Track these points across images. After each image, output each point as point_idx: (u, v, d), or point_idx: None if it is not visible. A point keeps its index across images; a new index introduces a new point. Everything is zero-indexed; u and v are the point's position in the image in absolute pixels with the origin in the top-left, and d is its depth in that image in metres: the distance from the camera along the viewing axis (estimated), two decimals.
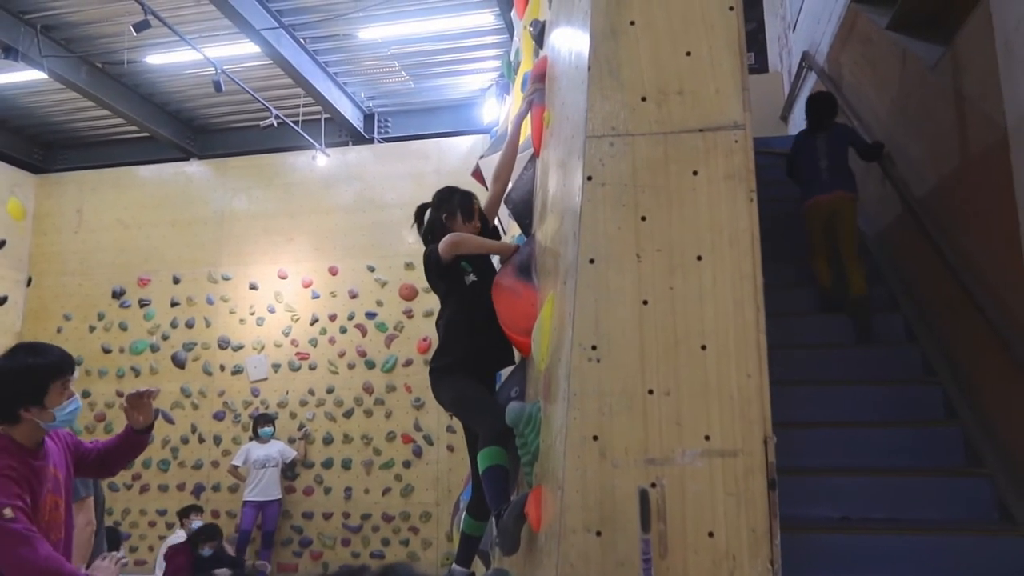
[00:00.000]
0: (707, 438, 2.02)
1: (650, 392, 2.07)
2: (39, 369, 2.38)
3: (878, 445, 3.74)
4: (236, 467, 7.81)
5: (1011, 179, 3.30)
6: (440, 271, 3.30)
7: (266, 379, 8.49)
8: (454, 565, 3.55)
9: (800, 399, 3.94)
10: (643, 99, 2.21)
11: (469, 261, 3.31)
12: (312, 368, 8.43)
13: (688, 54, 2.21)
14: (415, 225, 3.61)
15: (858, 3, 5.32)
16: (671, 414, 2.05)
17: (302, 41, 7.51)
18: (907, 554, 3.20)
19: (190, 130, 9.49)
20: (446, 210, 3.41)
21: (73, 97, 8.34)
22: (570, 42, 2.68)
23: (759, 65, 9.63)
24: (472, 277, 3.28)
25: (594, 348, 2.11)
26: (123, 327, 8.89)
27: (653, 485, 2.01)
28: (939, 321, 4.20)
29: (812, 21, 6.96)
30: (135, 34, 6.15)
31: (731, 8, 2.22)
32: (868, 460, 3.69)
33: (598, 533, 2.03)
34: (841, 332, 4.48)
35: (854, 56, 5.64)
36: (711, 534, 1.98)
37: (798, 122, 7.54)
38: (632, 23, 2.25)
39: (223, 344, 8.64)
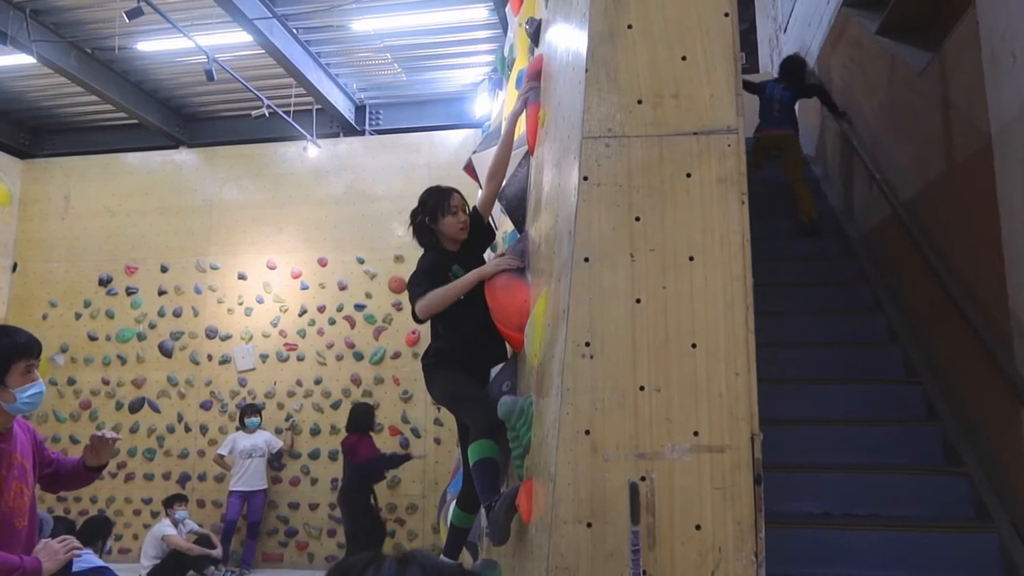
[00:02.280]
0: (696, 434, 2.08)
1: (641, 388, 2.12)
2: (2, 348, 2.39)
3: (860, 443, 3.82)
4: (222, 456, 7.81)
5: (994, 186, 3.38)
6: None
7: (254, 369, 8.49)
8: (442, 557, 3.60)
9: (785, 397, 4.01)
10: (639, 102, 2.26)
11: (461, 266, 3.33)
12: (300, 359, 8.44)
13: (684, 58, 2.26)
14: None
15: (849, 7, 5.39)
16: (661, 410, 2.10)
17: (295, 31, 7.50)
18: (886, 549, 3.28)
19: (180, 118, 9.45)
20: (425, 213, 3.41)
21: (62, 82, 8.28)
22: (567, 42, 2.72)
23: (750, 65, 9.71)
24: None
25: (587, 345, 2.16)
26: (110, 315, 8.86)
27: (643, 479, 2.06)
28: (922, 323, 4.28)
29: (803, 23, 7.03)
30: (127, 21, 6.13)
31: (726, 14, 2.26)
32: (850, 457, 3.77)
33: (589, 525, 2.08)
34: (827, 333, 4.56)
35: (844, 60, 5.71)
36: (698, 527, 2.03)
37: None
38: (629, 27, 2.29)
39: (211, 334, 8.63)
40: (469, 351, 3.32)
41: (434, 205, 3.38)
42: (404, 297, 8.31)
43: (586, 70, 2.29)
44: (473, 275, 3.22)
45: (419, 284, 3.24)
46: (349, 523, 6.93)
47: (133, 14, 5.94)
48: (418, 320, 3.28)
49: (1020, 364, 3.22)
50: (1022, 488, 3.21)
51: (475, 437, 3.04)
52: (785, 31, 7.99)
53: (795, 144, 5.82)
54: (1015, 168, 3.23)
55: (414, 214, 3.45)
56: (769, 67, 8.95)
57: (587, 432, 2.12)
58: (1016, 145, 3.21)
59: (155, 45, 7.71)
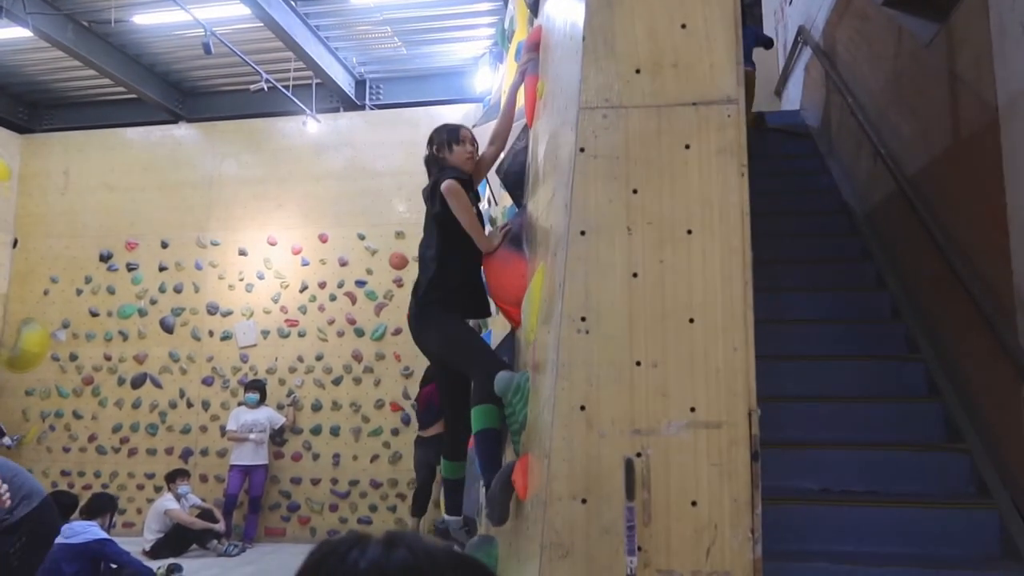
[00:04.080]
0: (692, 410, 2.05)
1: (638, 364, 2.09)
2: None
3: (861, 419, 3.80)
4: (234, 431, 7.81)
5: (1001, 159, 3.32)
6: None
7: (255, 345, 8.49)
8: (446, 516, 3.57)
9: (785, 374, 3.98)
10: (637, 71, 2.21)
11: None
12: (301, 335, 8.43)
13: (683, 27, 2.20)
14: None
15: None
16: (658, 385, 2.07)
17: (293, 4, 7.40)
18: (886, 525, 3.27)
19: (179, 92, 9.37)
20: (436, 143, 3.46)
21: (59, 56, 8.20)
22: (565, 12, 2.66)
23: None
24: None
25: (583, 320, 2.13)
26: (111, 291, 8.85)
27: (638, 455, 2.04)
28: (924, 299, 4.24)
29: None
30: None
31: None
32: (851, 434, 3.75)
33: (583, 501, 2.06)
34: (828, 309, 4.52)
35: (850, 32, 5.61)
36: (694, 503, 2.01)
37: (792, 97, 7.52)
38: None
39: (212, 310, 8.63)
40: (465, 296, 3.27)
41: (445, 137, 3.42)
42: (405, 273, 8.29)
43: (583, 39, 2.24)
44: (485, 237, 3.19)
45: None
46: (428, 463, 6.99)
47: None
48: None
49: (1023, 340, 3.18)
50: (1022, 465, 3.19)
51: (480, 400, 2.91)
52: (791, 3, 7.86)
53: (753, 78, 6.35)
54: (1022, 142, 3.17)
55: (431, 147, 3.48)
56: (774, 40, 8.81)
57: (582, 408, 2.10)
58: None
59: (152, 18, 7.62)
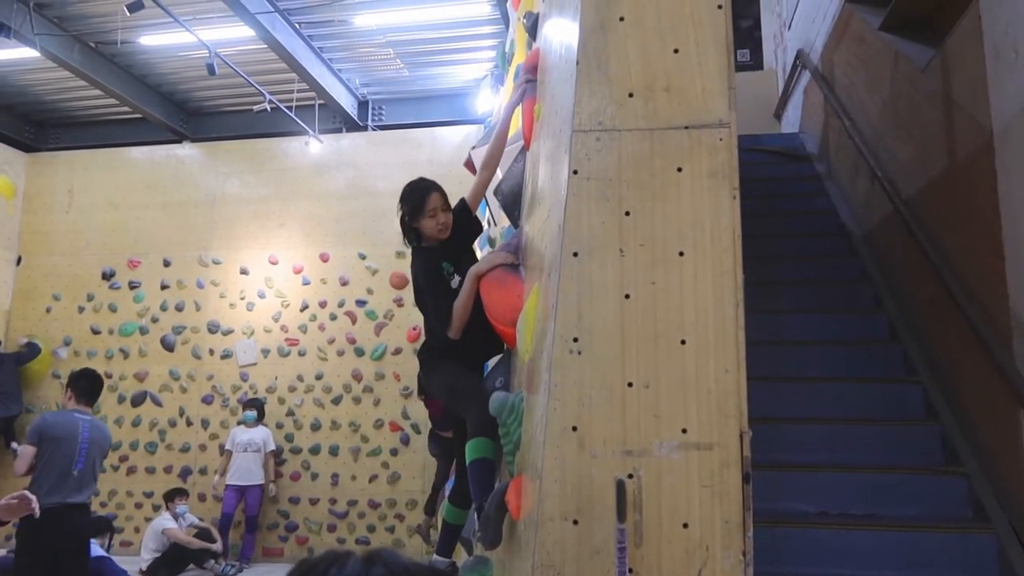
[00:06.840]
0: (684, 431, 2.05)
1: (629, 385, 2.09)
2: None
3: (858, 442, 3.78)
4: (229, 451, 7.83)
5: (995, 183, 3.34)
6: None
7: (255, 364, 8.50)
8: (435, 556, 3.57)
9: (783, 395, 3.98)
10: (630, 95, 2.23)
11: (451, 262, 3.31)
12: (301, 354, 8.44)
13: (676, 51, 2.23)
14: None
15: (852, 3, 5.34)
16: (649, 406, 2.08)
17: (297, 26, 7.49)
18: (883, 549, 3.25)
19: (183, 112, 9.46)
20: (402, 208, 3.38)
21: (66, 76, 8.29)
22: (561, 35, 2.70)
23: (754, 62, 9.65)
24: (457, 278, 3.29)
25: (576, 340, 2.14)
26: (112, 309, 8.88)
27: (630, 476, 2.04)
28: (922, 322, 4.24)
29: (807, 19, 6.98)
30: (128, 14, 6.13)
31: (719, 6, 2.23)
32: (848, 456, 3.73)
33: (575, 522, 2.06)
34: (827, 331, 4.52)
35: (847, 56, 5.66)
36: (685, 525, 2.01)
37: (791, 120, 7.57)
38: (621, 19, 2.27)
39: (213, 328, 8.64)
40: (467, 345, 3.29)
41: (412, 205, 3.34)
42: (405, 293, 8.30)
43: (577, 63, 2.27)
44: (471, 276, 3.20)
45: (432, 307, 3.25)
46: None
47: (134, 7, 5.94)
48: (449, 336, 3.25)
49: (1020, 364, 3.18)
50: (1020, 489, 3.17)
51: (473, 434, 3.00)
52: (790, 27, 7.93)
53: None
54: (1016, 166, 3.19)
55: (400, 209, 3.42)
56: (774, 64, 8.90)
57: (574, 428, 2.10)
58: (1018, 142, 3.17)
59: (158, 39, 7.71)
